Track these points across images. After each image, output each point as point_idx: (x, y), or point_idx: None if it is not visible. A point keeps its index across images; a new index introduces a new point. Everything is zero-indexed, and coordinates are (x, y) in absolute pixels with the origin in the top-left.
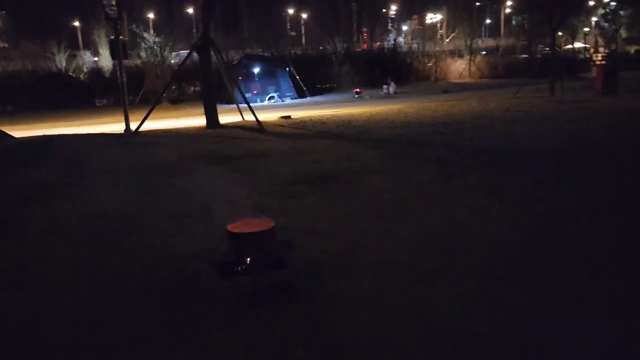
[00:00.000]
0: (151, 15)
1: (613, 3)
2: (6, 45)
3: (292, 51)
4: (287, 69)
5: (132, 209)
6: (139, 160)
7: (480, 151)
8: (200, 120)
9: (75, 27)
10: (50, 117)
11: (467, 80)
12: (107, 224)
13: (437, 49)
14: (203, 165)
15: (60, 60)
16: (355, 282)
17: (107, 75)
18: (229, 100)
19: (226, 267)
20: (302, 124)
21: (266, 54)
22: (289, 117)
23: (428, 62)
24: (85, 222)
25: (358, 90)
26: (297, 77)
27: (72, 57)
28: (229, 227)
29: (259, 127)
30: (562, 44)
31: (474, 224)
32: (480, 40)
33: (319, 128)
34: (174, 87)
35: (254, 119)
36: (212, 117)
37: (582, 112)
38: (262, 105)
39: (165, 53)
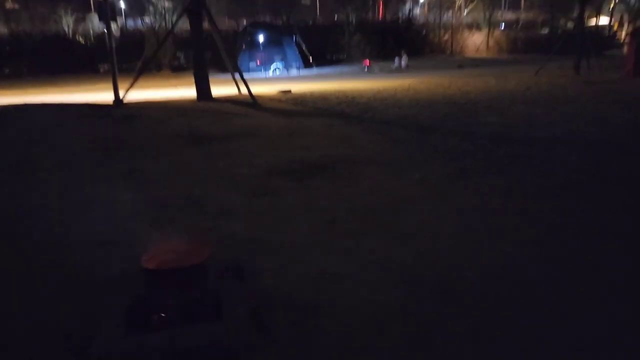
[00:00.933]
0: None
1: None
2: (16, 6)
3: (303, 20)
4: (294, 37)
5: (54, 206)
6: (105, 138)
7: (497, 139)
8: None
9: None
10: (47, 83)
11: (484, 55)
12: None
13: (454, 21)
14: (177, 146)
15: (68, 23)
16: (322, 341)
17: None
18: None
19: (138, 315)
20: (301, 100)
21: (272, 23)
22: (289, 91)
23: (444, 35)
24: None
25: (368, 62)
26: (304, 46)
27: (80, 20)
28: (145, 259)
29: (253, 102)
30: (587, 20)
31: (489, 247)
32: (499, 13)
33: (318, 105)
34: (179, 54)
35: (245, 92)
36: (203, 89)
37: (612, 95)
38: (265, 76)
39: (175, 19)
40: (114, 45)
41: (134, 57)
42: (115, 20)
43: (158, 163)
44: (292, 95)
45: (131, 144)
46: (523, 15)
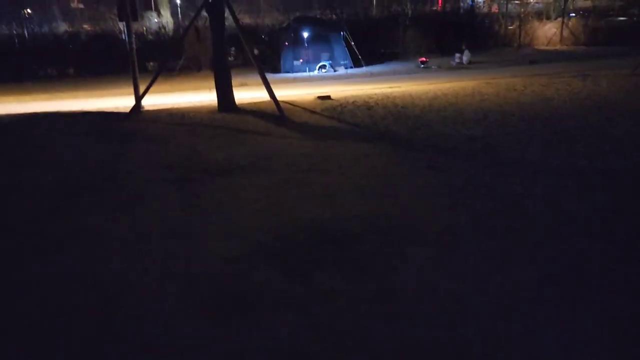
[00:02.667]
0: None
1: None
2: (81, 6)
3: (354, 14)
4: (342, 33)
5: None
6: (80, 169)
7: (620, 191)
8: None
9: None
10: (88, 84)
11: (558, 47)
12: None
13: (522, 9)
14: (160, 186)
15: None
16: None
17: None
18: (275, 69)
19: None
20: (339, 110)
21: (319, 17)
22: (327, 97)
23: (510, 25)
24: None
25: (424, 59)
26: (352, 43)
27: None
28: None
29: (280, 115)
30: None
31: None
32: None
33: (358, 118)
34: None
35: (280, 96)
36: (225, 96)
37: None
38: (309, 76)
39: (226, 15)
40: (134, 45)
41: (175, 57)
42: (137, 19)
43: (116, 221)
44: (330, 103)
45: (104, 180)
46: (596, 2)
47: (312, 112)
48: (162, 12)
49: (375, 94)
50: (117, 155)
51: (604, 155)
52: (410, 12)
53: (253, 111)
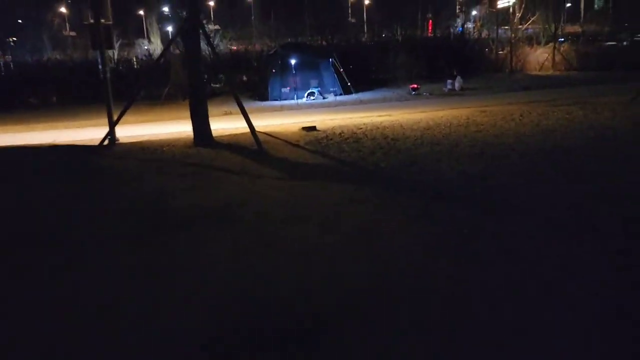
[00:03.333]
0: (211, 3)
1: None
2: (72, 33)
3: (345, 39)
4: (330, 60)
5: None
6: (19, 216)
7: None
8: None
9: (140, 16)
10: (70, 114)
11: (550, 72)
12: None
13: (513, 35)
14: (107, 242)
15: (112, 50)
16: None
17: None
18: (263, 96)
19: None
20: (324, 143)
21: (308, 43)
22: (313, 128)
23: (501, 51)
24: None
25: (415, 85)
26: (342, 69)
27: (124, 45)
28: None
29: (258, 149)
30: None
31: None
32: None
33: (345, 153)
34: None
35: (264, 126)
36: (201, 129)
37: None
38: (297, 104)
39: (217, 42)
40: (108, 75)
41: (162, 85)
42: (112, 47)
43: (38, 294)
44: (315, 135)
45: (47, 231)
46: (587, 28)
47: (295, 145)
48: (152, 39)
49: (364, 123)
50: (73, 199)
51: (623, 200)
52: (400, 38)
53: (231, 145)
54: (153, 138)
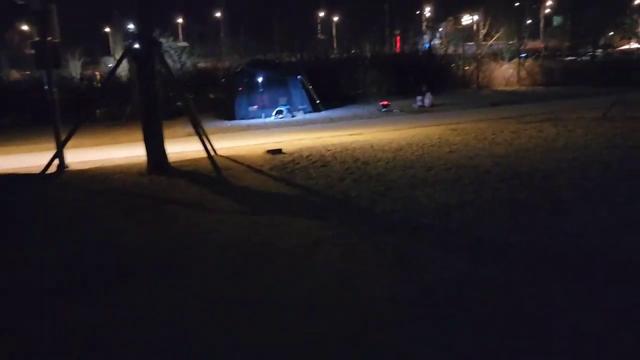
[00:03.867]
0: (179, 20)
1: None
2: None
3: (314, 55)
4: (299, 77)
5: None
6: None
7: None
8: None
9: (107, 34)
10: (22, 137)
11: (516, 88)
12: None
13: (479, 51)
14: (28, 303)
15: (75, 68)
16: None
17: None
18: (230, 115)
19: None
20: (290, 168)
21: (277, 59)
22: (279, 151)
23: (467, 67)
24: None
25: (385, 102)
26: (311, 87)
27: (88, 63)
28: None
29: (217, 176)
30: (615, 44)
31: None
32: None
33: (312, 179)
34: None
35: (227, 148)
36: (155, 156)
37: None
38: (265, 123)
39: (184, 59)
40: (55, 95)
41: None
42: (59, 65)
43: None
44: (280, 159)
45: None
46: (546, 42)
47: (259, 171)
48: (117, 56)
49: (334, 144)
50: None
51: (613, 231)
52: (369, 54)
53: (188, 172)
54: (107, 163)
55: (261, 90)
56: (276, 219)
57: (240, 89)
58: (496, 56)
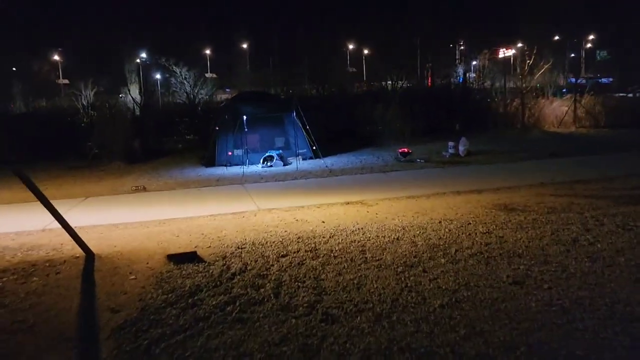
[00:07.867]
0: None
1: None
2: (66, 81)
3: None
4: (292, 113)
5: None
6: None
7: None
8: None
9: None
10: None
11: (573, 129)
12: None
13: (524, 84)
14: None
15: (88, 97)
16: None
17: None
18: (210, 160)
19: None
20: (175, 327)
21: (268, 92)
22: (191, 256)
23: (512, 103)
24: None
25: (405, 149)
26: (307, 127)
27: (100, 93)
28: None
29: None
30: None
31: None
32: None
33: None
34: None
35: (123, 226)
36: None
37: None
38: (242, 175)
39: (197, 90)
40: None
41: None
42: None
43: None
44: (179, 285)
45: None
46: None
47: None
48: (129, 88)
49: (305, 233)
50: None
51: None
52: (397, 85)
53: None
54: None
55: (246, 130)
56: None
57: (217, 128)
58: (538, 92)
